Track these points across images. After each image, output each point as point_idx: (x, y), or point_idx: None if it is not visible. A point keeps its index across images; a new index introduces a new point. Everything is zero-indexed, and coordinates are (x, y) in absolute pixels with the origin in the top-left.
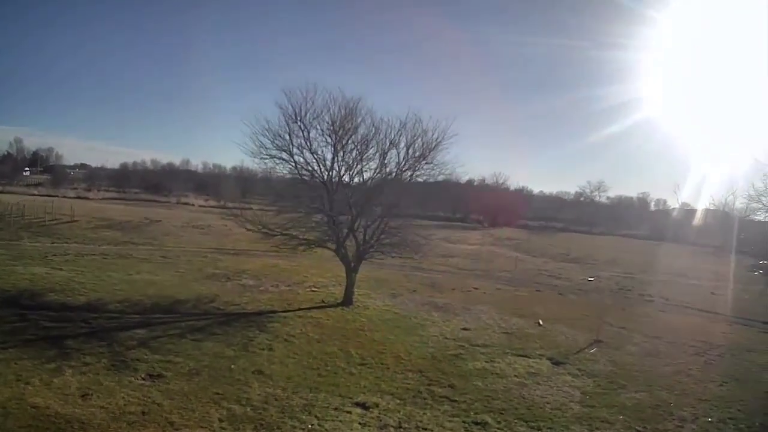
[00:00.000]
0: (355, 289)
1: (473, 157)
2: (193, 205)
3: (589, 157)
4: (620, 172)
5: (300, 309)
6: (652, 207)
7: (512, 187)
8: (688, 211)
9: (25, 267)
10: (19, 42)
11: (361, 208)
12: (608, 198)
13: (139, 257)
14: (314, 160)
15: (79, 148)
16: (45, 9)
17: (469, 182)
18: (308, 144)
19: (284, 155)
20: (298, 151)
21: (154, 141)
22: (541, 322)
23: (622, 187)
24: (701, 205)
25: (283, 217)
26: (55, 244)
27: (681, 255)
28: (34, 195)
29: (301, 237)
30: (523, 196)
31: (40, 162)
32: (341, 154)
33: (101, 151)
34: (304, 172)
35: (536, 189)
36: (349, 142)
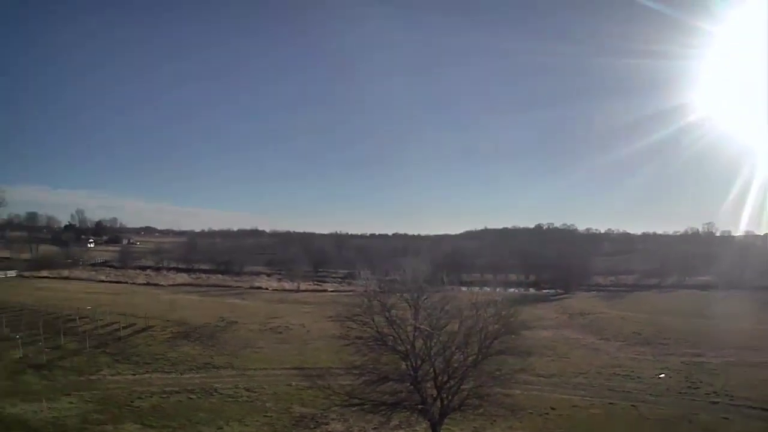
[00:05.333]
0: None
1: (530, 196)
2: (266, 289)
3: (650, 188)
4: (682, 199)
5: None
6: (718, 234)
7: (580, 229)
8: (753, 239)
9: (116, 426)
10: (76, 103)
11: (444, 372)
12: (676, 232)
13: (225, 393)
14: (393, 329)
15: (143, 209)
16: (112, 68)
17: (538, 227)
18: (387, 312)
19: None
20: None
21: (218, 200)
22: None
23: (688, 215)
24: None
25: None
26: (136, 376)
27: (747, 312)
28: (102, 281)
29: (389, 402)
30: (592, 239)
31: (103, 232)
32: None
33: (166, 212)
34: (387, 338)
35: (603, 228)
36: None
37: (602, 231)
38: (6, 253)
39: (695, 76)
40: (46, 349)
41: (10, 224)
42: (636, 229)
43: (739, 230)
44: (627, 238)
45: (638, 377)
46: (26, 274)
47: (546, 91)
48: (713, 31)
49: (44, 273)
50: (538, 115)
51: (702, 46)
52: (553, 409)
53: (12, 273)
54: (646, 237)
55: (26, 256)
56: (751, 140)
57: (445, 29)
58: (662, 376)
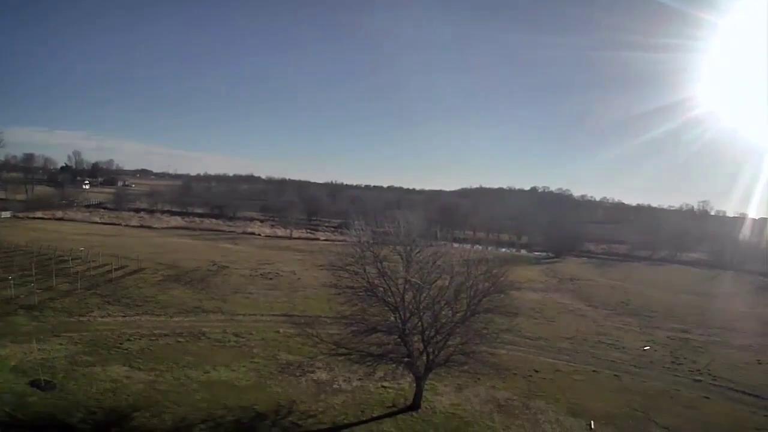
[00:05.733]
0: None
1: (528, 161)
2: (259, 235)
3: (644, 160)
4: (678, 176)
5: (372, 419)
6: (713, 213)
7: (575, 195)
8: (750, 222)
9: (104, 368)
10: (76, 44)
11: (431, 327)
12: (670, 206)
13: (213, 338)
14: (384, 280)
15: (140, 151)
16: (105, 12)
17: (533, 190)
18: (379, 263)
19: (356, 268)
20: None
21: (216, 145)
22: (592, 425)
23: (684, 193)
24: (759, 214)
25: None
26: (126, 318)
27: (736, 293)
28: (95, 223)
29: (375, 354)
30: (586, 205)
31: (99, 173)
32: (410, 268)
33: (163, 155)
34: (377, 289)
35: (598, 195)
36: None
37: (597, 199)
38: (2, 194)
39: (700, 68)
40: (38, 290)
41: (6, 165)
42: (631, 199)
43: (748, 215)
44: (621, 207)
45: (623, 347)
46: (21, 215)
47: (549, 68)
48: (718, 23)
49: (39, 214)
50: (540, 86)
51: (706, 39)
52: (536, 371)
53: (7, 214)
54: (640, 209)
55: (21, 197)
56: (756, 131)
57: None
58: (647, 348)
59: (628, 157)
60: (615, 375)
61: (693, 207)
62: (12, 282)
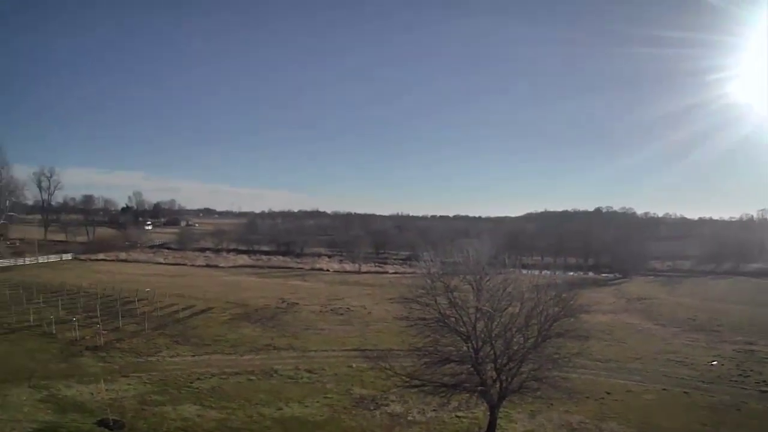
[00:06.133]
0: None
1: (589, 181)
2: (328, 270)
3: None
4: (736, 185)
5: None
6: None
7: (638, 213)
8: None
9: (174, 407)
10: (137, 88)
11: (504, 354)
12: (731, 218)
13: (285, 374)
14: (455, 310)
15: (202, 190)
16: (160, 51)
17: (597, 210)
18: (450, 293)
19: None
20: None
21: (279, 181)
22: None
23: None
24: None
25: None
26: (196, 358)
27: None
28: (160, 263)
29: (449, 384)
30: (649, 222)
31: (161, 214)
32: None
33: (225, 193)
34: (448, 319)
35: (661, 212)
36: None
37: (660, 215)
38: (62, 237)
39: (738, 64)
40: (104, 331)
41: (65, 207)
42: (693, 213)
43: None
44: (684, 222)
45: (691, 364)
46: (83, 257)
47: (595, 78)
48: (757, 19)
49: (101, 256)
50: (589, 101)
51: (745, 35)
52: (608, 393)
53: (68, 256)
54: (702, 222)
55: (82, 238)
56: None
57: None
58: (714, 363)
59: (686, 172)
60: (684, 392)
61: (753, 216)
62: (76, 323)
